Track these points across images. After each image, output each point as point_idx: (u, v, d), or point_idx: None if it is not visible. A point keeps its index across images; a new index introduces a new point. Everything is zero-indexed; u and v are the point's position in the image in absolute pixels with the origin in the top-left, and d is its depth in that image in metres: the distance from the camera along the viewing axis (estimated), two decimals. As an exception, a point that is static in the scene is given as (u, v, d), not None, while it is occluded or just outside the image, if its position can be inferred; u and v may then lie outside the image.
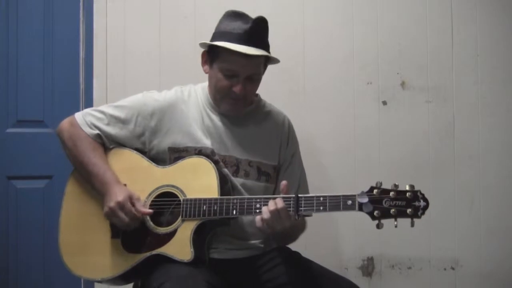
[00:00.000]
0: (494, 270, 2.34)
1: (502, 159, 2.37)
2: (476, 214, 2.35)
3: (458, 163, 2.36)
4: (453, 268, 2.34)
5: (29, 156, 2.27)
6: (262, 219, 1.46)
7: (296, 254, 1.71)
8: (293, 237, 1.73)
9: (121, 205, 1.54)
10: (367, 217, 1.43)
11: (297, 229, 1.70)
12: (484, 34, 2.38)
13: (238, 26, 1.62)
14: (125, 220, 1.54)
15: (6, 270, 2.24)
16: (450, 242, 2.34)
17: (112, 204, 1.54)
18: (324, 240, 2.30)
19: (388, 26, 2.36)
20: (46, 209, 2.26)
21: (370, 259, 2.33)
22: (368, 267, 2.33)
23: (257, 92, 1.79)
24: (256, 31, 1.62)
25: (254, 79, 1.67)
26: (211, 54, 1.67)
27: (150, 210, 1.59)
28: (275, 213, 1.44)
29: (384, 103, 2.35)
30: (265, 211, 1.46)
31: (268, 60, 1.70)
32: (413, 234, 2.29)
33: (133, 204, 1.56)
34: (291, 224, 1.47)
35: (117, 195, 1.55)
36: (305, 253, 1.72)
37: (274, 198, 1.47)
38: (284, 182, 1.51)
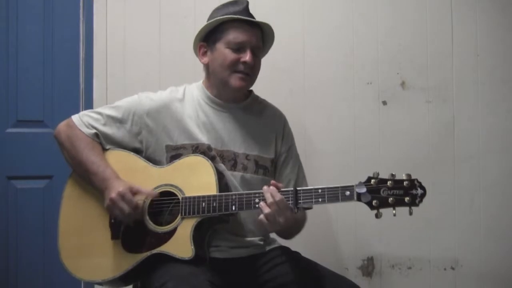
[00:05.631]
0: (494, 270, 2.34)
1: (502, 159, 2.36)
2: (476, 214, 2.35)
3: (458, 163, 2.35)
4: (453, 268, 2.34)
5: (29, 156, 2.27)
6: (264, 215, 1.46)
7: (296, 254, 1.72)
8: (297, 229, 1.74)
9: (122, 195, 1.54)
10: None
11: (299, 221, 1.71)
12: (484, 34, 2.38)
13: (234, 8, 1.69)
14: (126, 210, 1.54)
15: (6, 270, 2.24)
16: (450, 242, 2.34)
17: (113, 194, 1.55)
18: (324, 240, 2.30)
19: (388, 26, 2.36)
20: (46, 209, 2.25)
21: (370, 259, 2.33)
22: (368, 267, 2.33)
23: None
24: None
25: (258, 55, 1.72)
26: (213, 37, 1.70)
27: (155, 192, 1.60)
28: (274, 205, 1.45)
29: (384, 103, 2.35)
30: (264, 206, 1.47)
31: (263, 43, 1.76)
32: (413, 234, 2.31)
33: (134, 194, 1.57)
34: (292, 215, 1.47)
35: (119, 187, 1.56)
36: (305, 253, 1.73)
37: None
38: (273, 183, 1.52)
